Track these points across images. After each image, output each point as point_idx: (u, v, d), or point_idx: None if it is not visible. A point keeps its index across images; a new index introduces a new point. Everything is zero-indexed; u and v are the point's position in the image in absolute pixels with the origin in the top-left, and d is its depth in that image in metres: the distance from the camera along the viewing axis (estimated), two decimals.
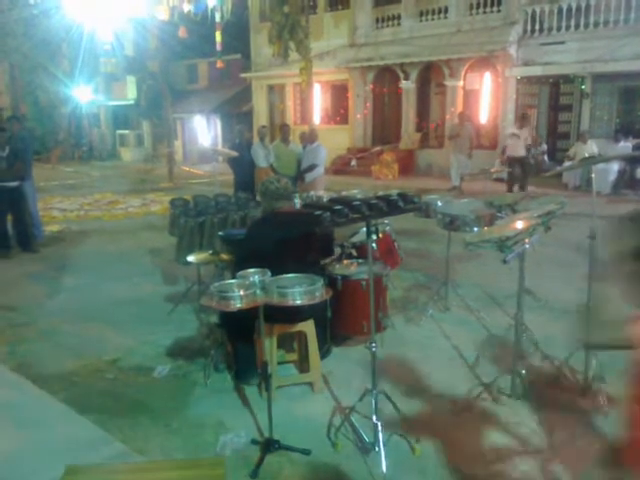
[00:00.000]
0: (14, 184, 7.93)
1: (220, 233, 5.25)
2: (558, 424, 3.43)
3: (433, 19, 17.38)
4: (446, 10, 17.02)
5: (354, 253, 4.93)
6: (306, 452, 3.24)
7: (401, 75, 18.20)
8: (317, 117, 20.21)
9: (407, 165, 17.91)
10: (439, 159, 17.01)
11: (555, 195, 10.89)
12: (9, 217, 8.14)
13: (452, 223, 4.87)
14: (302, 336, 4.08)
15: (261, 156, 8.93)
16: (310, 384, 4.03)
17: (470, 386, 3.77)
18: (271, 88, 22.76)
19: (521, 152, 12.56)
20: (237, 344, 4.17)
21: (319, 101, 20.75)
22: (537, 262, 6.39)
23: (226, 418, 3.66)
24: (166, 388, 4.14)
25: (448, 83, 17.27)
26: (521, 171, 12.56)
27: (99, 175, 20.91)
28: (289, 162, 8.92)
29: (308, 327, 3.93)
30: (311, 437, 3.41)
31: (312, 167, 8.69)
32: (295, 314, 3.74)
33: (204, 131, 25.66)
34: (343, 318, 4.39)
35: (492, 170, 11.04)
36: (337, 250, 4.97)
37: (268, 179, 4.18)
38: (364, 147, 19.19)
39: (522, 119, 13.00)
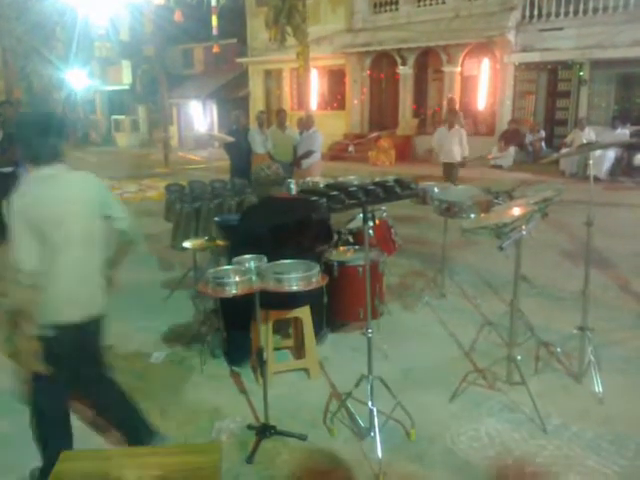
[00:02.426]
0: (8, 170, 7.87)
1: (216, 219, 5.22)
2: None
3: (431, 4, 17.23)
4: None
5: (351, 239, 4.92)
6: (302, 437, 3.25)
7: (399, 60, 18.09)
8: (314, 103, 20.09)
9: (404, 151, 17.85)
10: None
11: (552, 182, 10.88)
12: (3, 203, 8.09)
13: (449, 210, 4.85)
14: (298, 322, 4.08)
15: (258, 142, 8.87)
16: (306, 370, 4.04)
17: (466, 372, 3.78)
18: (268, 73, 22.60)
19: (452, 157, 9.39)
20: (233, 330, 4.18)
21: (316, 86, 20.63)
22: (534, 249, 6.39)
23: (222, 404, 3.67)
24: (162, 374, 4.14)
25: (446, 69, 17.17)
26: (449, 176, 9.40)
27: (94, 160, 20.76)
28: (285, 148, 8.86)
29: (304, 313, 3.92)
30: (307, 423, 3.43)
31: (309, 153, 8.65)
32: (291, 300, 3.73)
33: (200, 116, 25.51)
34: (339, 304, 4.40)
35: (489, 156, 11.04)
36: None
37: (259, 166, 4.15)
38: (361, 133, 19.11)
39: (450, 115, 10.41)
